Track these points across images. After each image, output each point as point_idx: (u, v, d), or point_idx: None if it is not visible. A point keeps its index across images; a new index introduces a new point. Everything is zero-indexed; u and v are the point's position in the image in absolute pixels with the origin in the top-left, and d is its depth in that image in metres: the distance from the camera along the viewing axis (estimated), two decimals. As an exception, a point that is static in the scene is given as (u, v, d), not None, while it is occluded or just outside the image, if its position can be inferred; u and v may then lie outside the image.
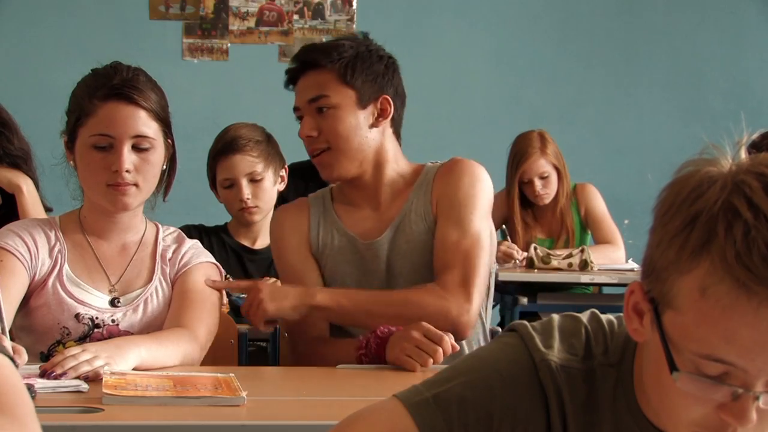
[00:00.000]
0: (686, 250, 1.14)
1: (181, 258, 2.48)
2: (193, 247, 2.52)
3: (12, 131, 3.76)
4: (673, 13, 6.52)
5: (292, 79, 2.62)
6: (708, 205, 1.14)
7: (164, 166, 2.43)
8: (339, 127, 2.57)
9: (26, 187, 3.63)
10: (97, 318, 2.38)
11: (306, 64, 2.60)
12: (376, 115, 2.60)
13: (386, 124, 2.62)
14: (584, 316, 1.35)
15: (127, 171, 2.33)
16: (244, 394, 1.92)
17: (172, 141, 2.45)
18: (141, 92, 2.36)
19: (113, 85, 2.35)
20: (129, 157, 2.33)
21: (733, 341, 1.12)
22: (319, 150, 2.59)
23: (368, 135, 2.59)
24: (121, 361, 2.11)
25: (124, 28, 6.08)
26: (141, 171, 2.36)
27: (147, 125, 2.36)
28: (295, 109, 2.63)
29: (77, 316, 2.37)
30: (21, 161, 3.75)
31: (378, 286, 2.58)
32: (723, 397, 1.15)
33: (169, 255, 2.47)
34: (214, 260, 2.53)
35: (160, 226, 2.53)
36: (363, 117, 2.59)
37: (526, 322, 1.35)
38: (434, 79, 6.23)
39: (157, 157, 2.39)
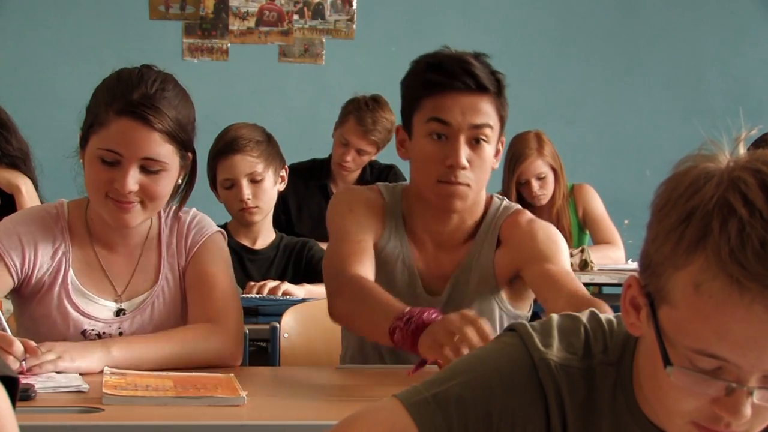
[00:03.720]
0: (681, 246, 1.15)
1: (185, 240, 2.37)
2: (192, 221, 2.40)
3: (11, 132, 3.77)
4: (673, 13, 6.52)
5: (439, 86, 2.27)
6: (704, 201, 1.15)
7: (179, 181, 2.30)
8: (485, 163, 2.28)
9: (25, 187, 3.64)
10: (104, 333, 2.31)
11: (467, 83, 2.26)
12: (497, 149, 2.33)
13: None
14: (583, 316, 1.36)
15: (130, 192, 2.20)
16: (244, 394, 1.92)
17: (194, 154, 2.32)
18: (158, 112, 2.19)
19: (131, 100, 2.18)
20: (134, 177, 2.20)
21: (725, 337, 1.13)
22: (462, 183, 2.28)
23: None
24: (82, 362, 2.09)
25: (124, 28, 6.08)
26: (148, 191, 2.22)
27: (159, 147, 2.20)
28: (435, 120, 2.28)
29: (84, 332, 2.30)
30: (20, 162, 3.76)
31: None
32: (717, 392, 1.16)
33: (173, 243, 2.37)
34: (216, 227, 2.43)
35: (161, 211, 2.38)
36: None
37: (525, 322, 1.36)
38: (434, 79, 6.22)
39: (168, 178, 2.25)
